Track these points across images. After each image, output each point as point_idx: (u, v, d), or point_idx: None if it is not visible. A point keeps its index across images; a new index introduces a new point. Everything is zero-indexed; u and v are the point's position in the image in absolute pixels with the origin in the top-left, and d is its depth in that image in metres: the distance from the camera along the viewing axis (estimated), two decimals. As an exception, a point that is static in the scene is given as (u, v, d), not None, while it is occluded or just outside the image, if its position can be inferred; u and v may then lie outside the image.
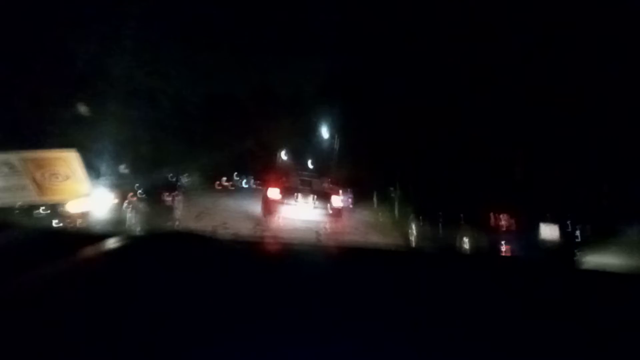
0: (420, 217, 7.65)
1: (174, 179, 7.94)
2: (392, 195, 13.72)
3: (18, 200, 1.44)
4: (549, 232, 5.26)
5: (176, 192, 7.64)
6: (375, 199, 21.65)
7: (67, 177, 1.44)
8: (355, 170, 24.72)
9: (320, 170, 37.62)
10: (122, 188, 5.53)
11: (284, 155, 52.54)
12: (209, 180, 29.72)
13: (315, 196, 7.42)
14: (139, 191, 6.00)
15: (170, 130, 27.51)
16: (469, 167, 10.10)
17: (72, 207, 3.88)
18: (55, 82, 8.10)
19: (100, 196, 4.59)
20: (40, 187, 1.42)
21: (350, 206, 17.08)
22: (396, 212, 13.50)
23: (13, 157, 1.35)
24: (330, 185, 8.73)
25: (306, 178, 8.40)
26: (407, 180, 13.53)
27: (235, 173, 32.99)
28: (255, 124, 43.50)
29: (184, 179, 21.60)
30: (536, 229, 5.21)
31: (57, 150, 1.48)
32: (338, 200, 7.88)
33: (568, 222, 5.25)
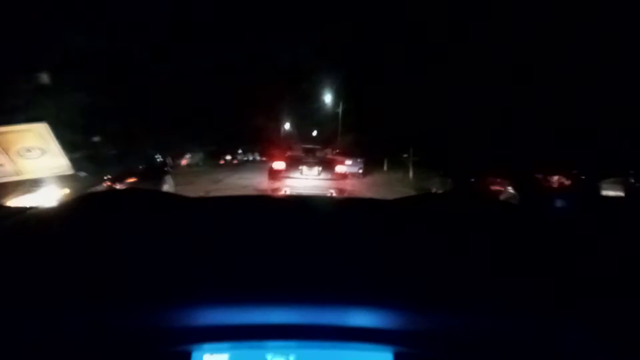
0: (450, 179, 6.89)
1: (160, 160, 5.92)
2: (406, 159, 12.88)
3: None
4: (612, 188, 4.45)
5: (161, 177, 5.91)
6: (385, 165, 20.81)
7: (43, 152, 1.44)
8: (363, 138, 23.89)
9: (327, 140, 36.91)
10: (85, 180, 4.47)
11: (288, 127, 51.86)
12: (213, 157, 29.05)
13: (320, 166, 7.46)
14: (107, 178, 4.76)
15: (168, 107, 26.98)
16: (513, 126, 9.25)
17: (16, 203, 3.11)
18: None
19: (51, 191, 3.55)
20: (16, 164, 1.40)
21: (361, 171, 16.27)
22: (410, 174, 12.71)
23: None
24: (334, 154, 9.00)
25: (310, 148, 8.45)
26: (428, 143, 12.70)
27: (240, 150, 32.27)
28: (257, 97, 42.70)
29: (191, 157, 21.11)
30: (596, 186, 4.43)
31: (28, 124, 1.42)
32: (342, 168, 7.92)
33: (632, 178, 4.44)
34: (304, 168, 7.39)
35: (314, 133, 50.10)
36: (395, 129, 22.73)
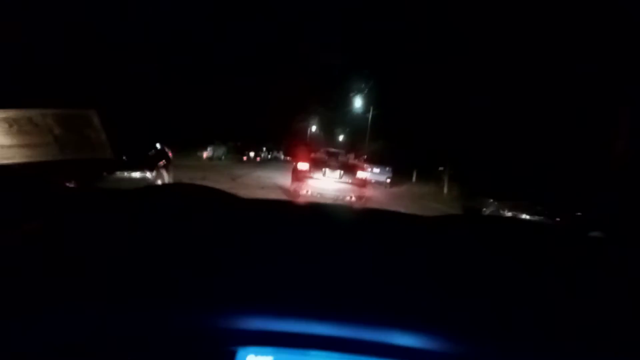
0: (503, 204, 5.88)
1: (159, 149, 3.87)
2: (441, 173, 11.79)
3: (39, 157, 1.43)
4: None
5: (154, 169, 4.17)
6: (414, 176, 19.67)
7: (88, 137, 1.54)
8: (392, 146, 22.82)
9: (354, 145, 36.08)
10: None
11: (315, 129, 51.33)
12: (237, 152, 28.59)
13: (342, 170, 7.72)
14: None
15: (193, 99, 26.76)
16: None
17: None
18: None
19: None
20: (61, 145, 1.49)
21: (389, 180, 15.21)
22: (445, 189, 11.60)
23: (34, 113, 1.39)
24: (361, 160, 9.11)
25: (333, 152, 8.92)
26: (464, 157, 11.58)
27: (264, 148, 31.76)
28: (286, 97, 42.50)
29: (212, 151, 20.63)
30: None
31: (77, 108, 1.52)
32: (363, 174, 8.21)
33: None
34: (327, 170, 7.62)
35: (341, 137, 49.52)
36: (427, 139, 21.58)
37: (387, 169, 15.18)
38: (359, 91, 30.71)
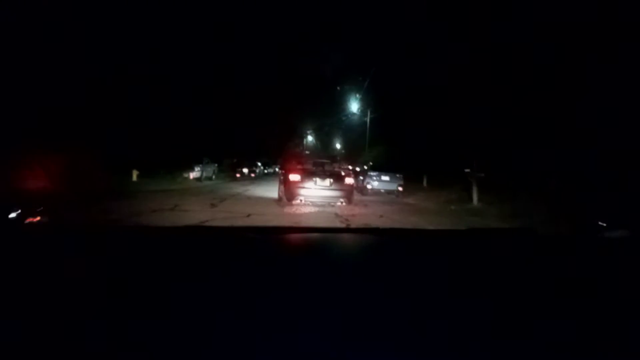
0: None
1: None
2: (469, 175, 9.76)
3: None
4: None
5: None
6: (425, 180, 17.66)
7: None
8: (394, 150, 20.89)
9: (352, 153, 34.16)
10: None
11: (309, 140, 49.50)
12: (230, 170, 26.66)
13: (331, 178, 8.28)
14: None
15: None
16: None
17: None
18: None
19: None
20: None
21: (400, 189, 13.17)
22: (474, 196, 9.57)
23: None
24: (342, 168, 9.74)
25: (321, 162, 9.40)
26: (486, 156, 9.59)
27: (259, 163, 29.82)
28: (278, 108, 41.05)
29: (200, 170, 18.68)
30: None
31: None
32: (350, 180, 8.83)
33: None
34: (317, 179, 8.16)
35: (337, 145, 47.60)
36: (436, 139, 19.63)
37: (398, 175, 13.18)
38: (356, 92, 28.85)
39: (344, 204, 8.35)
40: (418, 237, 1.59)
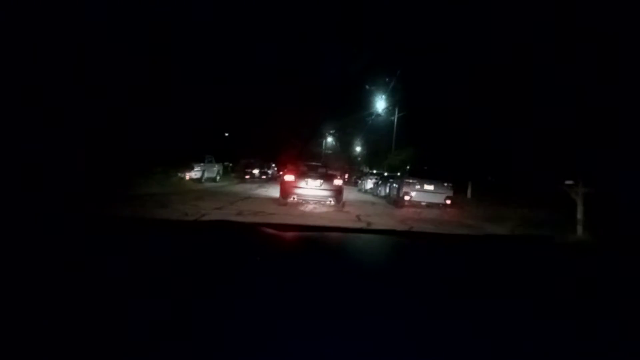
0: None
1: None
2: (570, 190, 6.56)
3: None
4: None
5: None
6: (469, 191, 14.48)
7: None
8: (425, 153, 17.81)
9: (374, 157, 31.14)
10: None
11: (329, 142, 46.69)
12: (240, 171, 24.12)
13: (321, 179, 8.98)
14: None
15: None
16: None
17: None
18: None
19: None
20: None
21: (448, 202, 10.09)
22: (579, 228, 6.35)
23: None
24: (331, 171, 10.32)
25: (314, 165, 10.08)
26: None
27: (273, 164, 27.17)
28: (299, 109, 38.70)
29: (201, 171, 16.14)
30: None
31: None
32: (338, 182, 9.37)
33: None
34: (309, 180, 8.97)
35: (358, 148, 44.57)
36: (482, 140, 16.41)
37: (446, 184, 10.11)
38: (381, 90, 25.79)
39: (332, 203, 8.99)
40: (436, 241, 1.63)
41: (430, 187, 10.07)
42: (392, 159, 24.81)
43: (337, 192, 8.98)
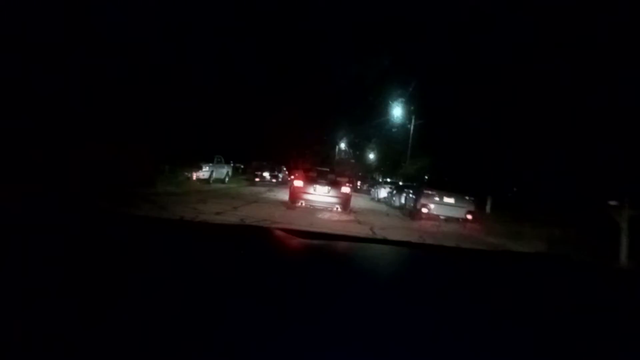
0: None
1: None
2: (619, 216, 5.75)
3: None
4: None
5: None
6: (489, 206, 13.66)
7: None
8: (442, 164, 17.05)
9: (387, 164, 30.41)
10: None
11: (342, 149, 46.07)
12: (250, 173, 23.73)
13: (329, 186, 9.02)
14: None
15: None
16: None
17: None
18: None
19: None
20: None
21: (470, 217, 9.33)
22: (624, 251, 5.57)
23: None
24: (341, 178, 9.87)
25: (323, 171, 9.93)
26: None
27: (284, 167, 26.68)
28: (314, 117, 38.41)
29: (209, 171, 15.65)
30: None
31: None
32: (347, 189, 9.40)
33: None
34: (317, 186, 9.01)
35: (371, 155, 43.77)
36: (501, 152, 15.59)
37: (467, 198, 9.37)
38: (397, 99, 25.05)
39: (339, 209, 9.03)
40: (447, 255, 1.59)
41: (450, 200, 9.33)
42: (407, 168, 24.03)
43: (345, 200, 9.07)
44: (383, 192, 16.60)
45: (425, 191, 9.60)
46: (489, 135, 16.19)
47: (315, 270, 1.02)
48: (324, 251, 1.31)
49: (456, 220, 9.43)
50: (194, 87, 21.97)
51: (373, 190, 19.10)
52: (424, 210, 9.38)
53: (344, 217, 9.02)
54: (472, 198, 9.49)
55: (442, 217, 9.54)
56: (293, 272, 0.98)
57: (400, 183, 15.82)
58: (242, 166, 29.98)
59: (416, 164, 23.60)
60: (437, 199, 9.40)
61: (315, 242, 1.42)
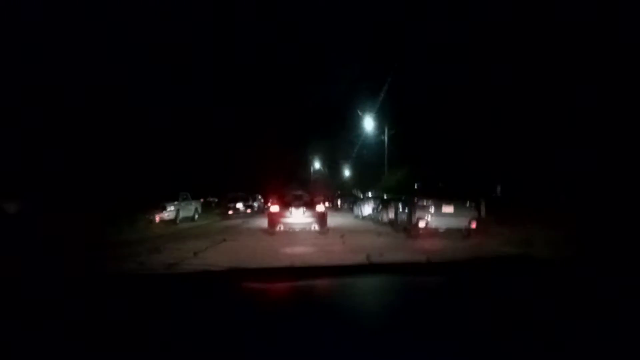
0: None
1: None
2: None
3: None
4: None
5: None
6: (483, 210, 12.61)
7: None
8: (425, 172, 16.08)
9: (363, 179, 29.41)
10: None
11: (317, 168, 44.96)
12: (222, 206, 21.99)
13: (304, 207, 9.38)
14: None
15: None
16: None
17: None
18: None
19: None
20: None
21: (473, 227, 8.15)
22: None
23: None
24: (315, 198, 10.27)
25: (297, 194, 10.11)
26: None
27: (259, 195, 25.05)
28: (280, 135, 37.34)
29: (174, 210, 13.97)
30: None
31: None
32: (321, 207, 9.67)
33: None
34: (293, 209, 9.33)
35: (347, 173, 42.80)
36: (487, 154, 14.79)
37: (468, 204, 8.22)
38: (368, 110, 24.18)
39: (316, 228, 9.12)
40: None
41: (450, 209, 8.15)
42: (387, 180, 23.01)
43: (321, 218, 9.31)
44: (367, 209, 15.34)
45: (420, 202, 8.38)
46: (470, 134, 15.41)
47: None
48: (307, 300, 1.08)
49: (458, 231, 8.24)
50: (150, 128, 20.65)
51: (356, 207, 17.80)
52: (421, 224, 8.14)
53: (330, 242, 7.68)
54: (474, 203, 8.35)
55: (441, 230, 8.33)
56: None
57: (385, 196, 14.65)
58: (215, 200, 28.15)
59: (395, 174, 22.66)
60: (434, 209, 8.19)
61: (301, 283, 1.20)
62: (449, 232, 8.34)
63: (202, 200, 19.84)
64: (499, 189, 18.25)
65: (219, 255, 6.22)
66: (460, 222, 8.12)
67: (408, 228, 8.75)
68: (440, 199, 8.19)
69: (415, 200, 8.50)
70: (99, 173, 15.68)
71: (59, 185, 15.21)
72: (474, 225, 8.07)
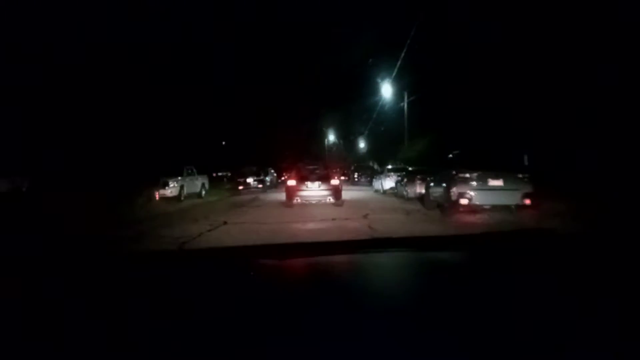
0: None
1: None
2: None
3: None
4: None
5: None
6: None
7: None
8: (450, 145, 14.46)
9: (380, 151, 27.83)
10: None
11: (332, 140, 43.44)
12: (233, 181, 20.72)
13: (319, 180, 9.73)
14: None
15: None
16: None
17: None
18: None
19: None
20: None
21: (527, 201, 6.70)
22: None
23: None
24: (330, 171, 10.68)
25: (312, 168, 10.52)
26: None
27: (271, 169, 23.71)
28: (299, 111, 36.12)
29: (177, 186, 12.83)
30: None
31: None
32: (336, 181, 9.94)
33: None
34: (308, 183, 9.72)
35: (362, 145, 41.13)
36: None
37: (520, 176, 6.76)
38: (387, 72, 22.20)
39: (332, 200, 9.51)
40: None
41: (498, 183, 6.71)
42: (406, 152, 21.41)
43: (335, 191, 9.66)
44: (389, 182, 13.90)
45: (461, 175, 6.93)
46: (496, 99, 13.61)
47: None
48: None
49: (507, 208, 6.80)
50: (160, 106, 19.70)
51: (375, 181, 16.37)
52: (463, 201, 6.72)
53: (352, 225, 6.37)
54: (527, 175, 6.86)
55: (486, 207, 6.91)
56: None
57: (410, 169, 13.16)
58: (228, 174, 26.86)
59: (416, 145, 21.01)
60: (478, 183, 6.76)
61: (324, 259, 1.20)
62: (494, 209, 6.92)
63: (214, 175, 18.68)
64: (526, 158, 16.58)
65: (218, 242, 4.96)
66: (510, 199, 6.67)
67: (445, 205, 7.35)
68: (485, 172, 6.72)
69: (456, 174, 7.04)
70: (108, 151, 15.07)
71: (62, 164, 14.49)
72: (527, 202, 6.61)
